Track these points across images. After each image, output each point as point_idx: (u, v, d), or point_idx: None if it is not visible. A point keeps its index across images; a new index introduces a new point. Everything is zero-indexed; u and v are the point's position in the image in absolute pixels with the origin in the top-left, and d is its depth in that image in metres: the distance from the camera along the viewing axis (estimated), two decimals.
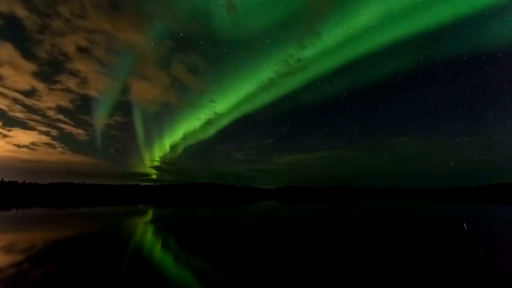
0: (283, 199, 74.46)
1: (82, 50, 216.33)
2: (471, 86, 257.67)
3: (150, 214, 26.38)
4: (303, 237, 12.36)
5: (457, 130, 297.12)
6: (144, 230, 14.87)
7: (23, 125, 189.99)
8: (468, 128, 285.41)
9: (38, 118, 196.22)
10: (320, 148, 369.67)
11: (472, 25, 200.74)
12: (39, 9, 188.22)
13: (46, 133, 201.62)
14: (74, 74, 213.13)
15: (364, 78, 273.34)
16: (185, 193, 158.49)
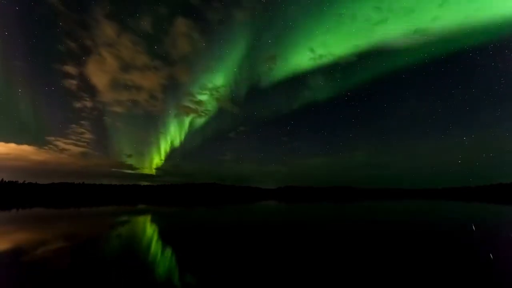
0: (283, 199, 74.40)
1: (139, 87, 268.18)
2: (477, 83, 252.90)
3: (150, 214, 26.30)
4: (300, 236, 12.29)
5: (463, 128, 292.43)
6: (143, 231, 14.79)
7: (75, 139, 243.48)
8: (475, 126, 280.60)
9: (89, 134, 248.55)
10: (324, 148, 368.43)
11: (477, 21, 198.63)
12: (127, 63, 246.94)
13: (88, 144, 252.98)
14: (130, 100, 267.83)
15: (369, 76, 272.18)
16: (185, 193, 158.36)
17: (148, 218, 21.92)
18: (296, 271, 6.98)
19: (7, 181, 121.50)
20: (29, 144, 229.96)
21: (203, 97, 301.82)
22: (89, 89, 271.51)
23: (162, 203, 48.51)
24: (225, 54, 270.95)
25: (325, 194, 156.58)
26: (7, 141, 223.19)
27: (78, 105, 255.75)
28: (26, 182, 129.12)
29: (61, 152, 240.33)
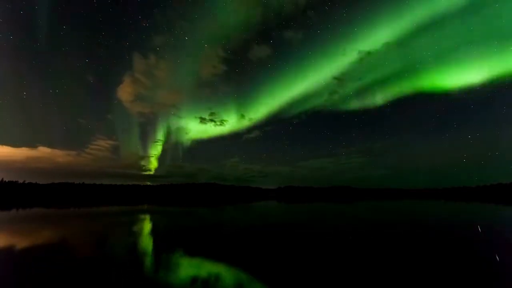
0: (283, 199, 74.32)
1: (163, 102, 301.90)
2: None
3: (150, 214, 26.23)
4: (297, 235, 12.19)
5: (468, 126, 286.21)
6: (142, 231, 14.71)
7: (100, 145, 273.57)
8: (480, 124, 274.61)
9: (112, 141, 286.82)
10: (326, 149, 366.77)
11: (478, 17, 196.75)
12: (158, 83, 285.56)
13: (107, 149, 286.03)
14: (153, 113, 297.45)
15: (368, 74, 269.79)
16: (185, 193, 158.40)
17: (148, 218, 21.85)
18: (295, 270, 6.89)
19: (7, 181, 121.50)
20: (60, 149, 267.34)
21: (219, 110, 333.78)
22: (120, 103, 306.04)
23: (162, 203, 48.49)
24: (243, 79, 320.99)
25: (325, 194, 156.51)
26: (42, 145, 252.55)
27: (109, 116, 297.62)
28: (26, 182, 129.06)
29: (85, 156, 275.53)
